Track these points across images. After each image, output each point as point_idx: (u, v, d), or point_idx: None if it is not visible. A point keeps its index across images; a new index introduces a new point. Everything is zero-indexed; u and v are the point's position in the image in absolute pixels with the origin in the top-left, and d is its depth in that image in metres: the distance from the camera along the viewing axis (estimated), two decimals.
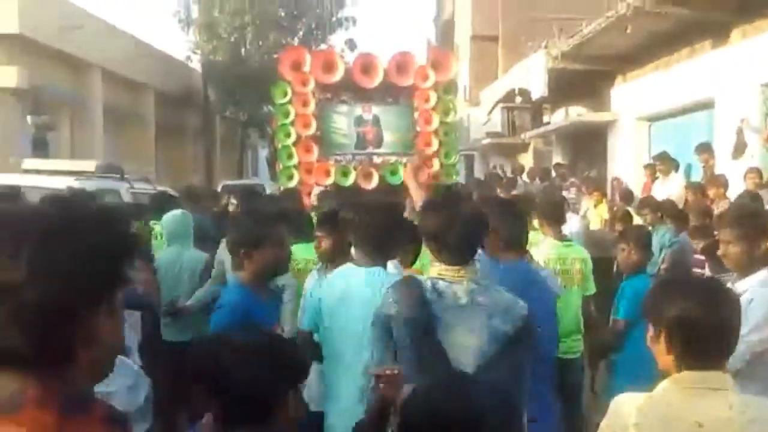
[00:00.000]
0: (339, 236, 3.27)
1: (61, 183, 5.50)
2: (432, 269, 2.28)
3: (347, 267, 2.83)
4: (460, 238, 2.21)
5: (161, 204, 5.23)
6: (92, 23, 15.09)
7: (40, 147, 11.08)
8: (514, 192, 9.75)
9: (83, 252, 0.90)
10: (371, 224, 2.80)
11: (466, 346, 2.11)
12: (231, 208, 6.01)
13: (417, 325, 2.12)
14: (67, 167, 6.49)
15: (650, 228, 6.67)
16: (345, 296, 2.69)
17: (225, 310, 2.63)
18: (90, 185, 5.57)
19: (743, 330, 1.88)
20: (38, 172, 6.28)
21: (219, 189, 12.75)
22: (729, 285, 3.00)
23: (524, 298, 2.28)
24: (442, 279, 2.20)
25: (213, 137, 22.85)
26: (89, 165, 6.67)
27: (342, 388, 2.65)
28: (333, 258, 3.29)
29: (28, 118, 11.45)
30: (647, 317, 1.78)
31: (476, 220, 2.30)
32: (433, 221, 2.26)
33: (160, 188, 7.21)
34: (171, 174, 17.44)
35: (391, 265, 2.96)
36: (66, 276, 0.88)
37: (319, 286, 3.01)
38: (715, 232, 3.77)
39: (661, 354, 1.69)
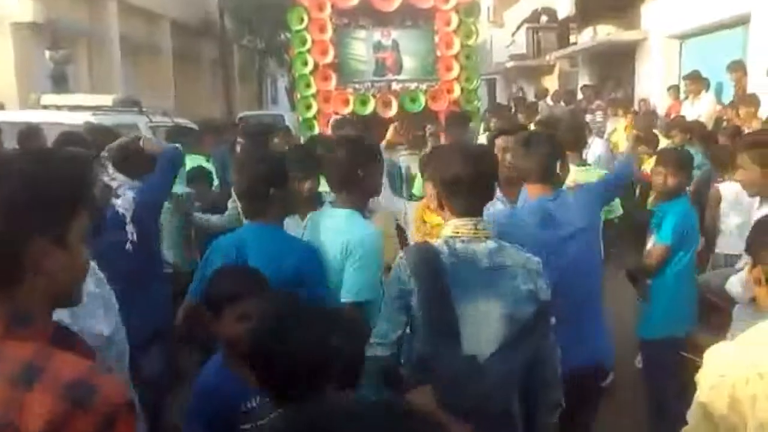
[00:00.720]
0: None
1: (79, 118, 5.49)
2: (445, 228, 2.02)
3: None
4: (480, 181, 1.98)
5: (179, 137, 5.21)
6: None
7: (60, 81, 11.04)
8: (537, 117, 9.52)
9: (25, 185, 0.96)
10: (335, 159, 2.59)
11: (491, 314, 1.91)
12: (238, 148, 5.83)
13: (433, 303, 1.90)
14: (85, 102, 6.47)
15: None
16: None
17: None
18: (108, 120, 5.56)
19: None
20: (57, 107, 6.27)
21: (236, 120, 12.72)
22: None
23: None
24: (458, 237, 1.96)
25: (231, 67, 22.56)
26: (107, 99, 6.63)
27: None
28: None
29: (46, 52, 11.37)
30: (751, 255, 1.64)
31: (493, 160, 2.13)
32: (447, 163, 2.01)
33: (179, 120, 7.17)
34: (189, 105, 17.35)
35: None
36: (6, 207, 0.95)
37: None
38: None
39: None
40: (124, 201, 3.18)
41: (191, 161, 4.88)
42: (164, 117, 7.23)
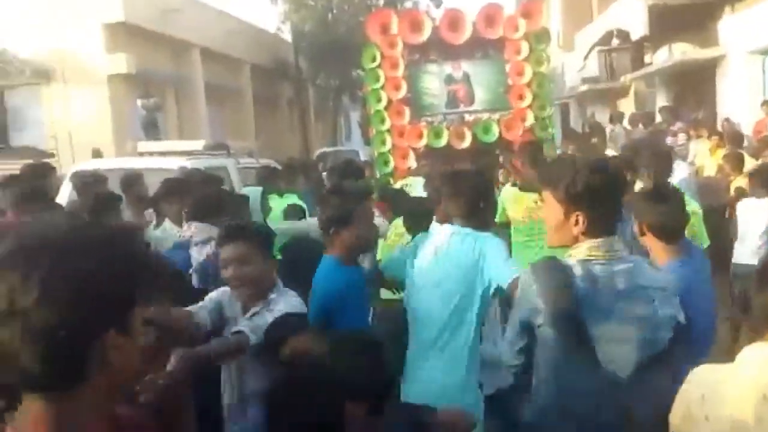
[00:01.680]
0: None
1: (173, 163, 5.90)
2: (576, 250, 1.84)
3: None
4: (612, 198, 1.84)
5: (265, 178, 5.49)
6: (188, 5, 15.76)
7: (151, 128, 11.81)
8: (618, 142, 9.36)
9: (89, 275, 0.90)
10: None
11: (625, 339, 1.77)
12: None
13: (567, 326, 1.77)
14: (178, 148, 6.93)
15: None
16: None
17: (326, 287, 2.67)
18: (200, 164, 5.93)
19: None
20: (151, 154, 6.75)
21: (315, 157, 13.15)
22: None
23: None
24: (594, 260, 1.80)
25: (306, 105, 23.40)
26: (198, 144, 7.09)
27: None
28: None
29: (138, 101, 12.22)
30: None
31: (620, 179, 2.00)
32: (580, 179, 1.81)
33: (263, 161, 7.54)
34: (269, 145, 18.09)
35: None
36: (72, 299, 0.88)
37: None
38: None
39: None
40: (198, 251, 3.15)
41: (286, 199, 5.15)
42: (250, 158, 7.62)
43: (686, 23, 12.41)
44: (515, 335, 1.89)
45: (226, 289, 2.40)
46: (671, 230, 2.41)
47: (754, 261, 4.66)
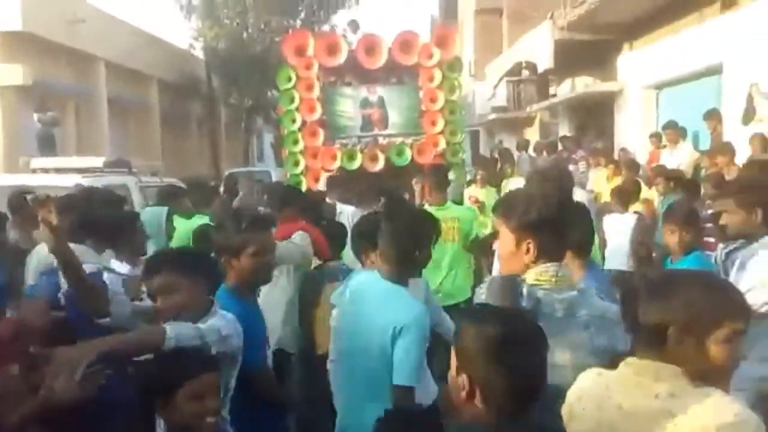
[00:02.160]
0: None
1: (70, 181, 5.53)
2: (526, 275, 1.91)
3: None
4: (561, 227, 1.92)
5: (169, 197, 5.23)
6: (94, 16, 15.07)
7: (47, 143, 11.10)
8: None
9: None
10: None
11: (561, 365, 1.83)
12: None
13: None
14: (76, 164, 6.52)
15: (662, 197, 6.67)
16: None
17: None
18: (98, 182, 5.59)
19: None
20: (46, 171, 6.31)
21: (224, 177, 12.79)
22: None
23: None
24: (539, 286, 1.88)
25: (218, 125, 22.86)
26: (97, 161, 6.70)
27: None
28: None
29: (34, 115, 11.48)
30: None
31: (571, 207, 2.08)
32: (532, 207, 1.91)
33: (168, 180, 7.23)
34: (177, 164, 17.48)
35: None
36: None
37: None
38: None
39: None
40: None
41: (196, 220, 4.90)
42: (154, 177, 7.29)
43: (588, 58, 13.12)
44: None
45: None
46: (587, 245, 2.55)
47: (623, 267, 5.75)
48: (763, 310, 2.63)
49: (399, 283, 2.51)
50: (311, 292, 3.78)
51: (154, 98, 18.75)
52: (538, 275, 1.89)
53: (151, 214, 4.47)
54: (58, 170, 6.30)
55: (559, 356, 1.81)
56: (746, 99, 8.38)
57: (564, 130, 15.01)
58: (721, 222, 3.17)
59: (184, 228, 4.76)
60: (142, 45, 17.39)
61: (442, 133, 8.52)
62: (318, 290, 3.70)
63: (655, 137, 9.69)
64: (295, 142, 8.31)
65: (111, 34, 15.62)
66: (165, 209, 4.61)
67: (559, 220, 1.92)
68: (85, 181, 5.53)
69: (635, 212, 6.35)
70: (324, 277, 3.81)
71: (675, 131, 8.93)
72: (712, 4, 9.32)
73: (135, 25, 17.87)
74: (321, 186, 7.36)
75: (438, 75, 8.41)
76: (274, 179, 11.91)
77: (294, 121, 8.28)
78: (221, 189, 8.57)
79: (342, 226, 4.39)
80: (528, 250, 1.90)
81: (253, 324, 2.53)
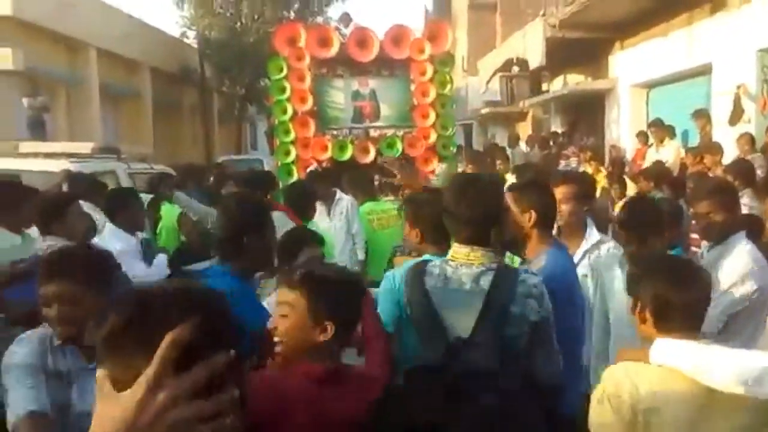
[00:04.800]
0: None
1: (58, 166, 5.52)
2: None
3: None
4: (470, 213, 2.15)
5: (158, 184, 5.25)
6: (86, 2, 14.94)
7: (37, 129, 11.01)
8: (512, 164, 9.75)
9: None
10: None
11: (465, 311, 2.13)
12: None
13: (417, 307, 2.20)
14: (64, 149, 6.50)
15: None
16: None
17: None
18: (86, 167, 5.59)
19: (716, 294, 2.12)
20: (35, 155, 6.29)
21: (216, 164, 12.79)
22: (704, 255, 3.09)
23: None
24: (452, 261, 2.18)
25: (210, 113, 22.74)
26: (86, 147, 6.67)
27: None
28: None
29: (24, 100, 11.39)
30: (630, 294, 1.94)
31: (490, 196, 2.21)
32: (447, 195, 2.23)
33: (158, 168, 7.22)
34: (169, 152, 17.41)
35: None
36: None
37: None
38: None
39: (642, 324, 1.88)
40: None
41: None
42: (143, 164, 7.28)
43: (580, 56, 13.19)
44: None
45: None
46: (551, 217, 2.74)
47: None
48: (745, 304, 2.70)
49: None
50: None
51: (147, 86, 18.62)
52: (453, 253, 2.19)
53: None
54: (46, 155, 6.27)
55: (463, 309, 2.11)
56: (733, 100, 8.47)
57: (556, 125, 15.09)
58: (702, 222, 3.21)
59: (171, 214, 4.79)
60: (134, 32, 17.26)
61: (433, 126, 8.57)
62: None
63: (642, 135, 9.79)
64: (287, 132, 8.33)
65: (103, 21, 15.49)
66: (151, 196, 4.63)
67: (452, 211, 2.19)
68: (73, 167, 5.52)
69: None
70: None
71: (660, 129, 9.02)
72: (701, 6, 9.39)
73: (127, 12, 17.74)
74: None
75: (430, 69, 8.44)
76: (266, 167, 11.91)
77: (285, 111, 8.29)
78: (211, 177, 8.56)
79: None
80: (453, 237, 2.25)
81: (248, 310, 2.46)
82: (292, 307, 1.75)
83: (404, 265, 2.37)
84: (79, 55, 15.13)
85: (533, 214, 2.62)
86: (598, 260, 3.18)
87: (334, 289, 1.77)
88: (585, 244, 3.23)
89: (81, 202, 3.43)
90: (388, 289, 2.31)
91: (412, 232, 2.56)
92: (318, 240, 3.04)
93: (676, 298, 1.79)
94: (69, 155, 6.15)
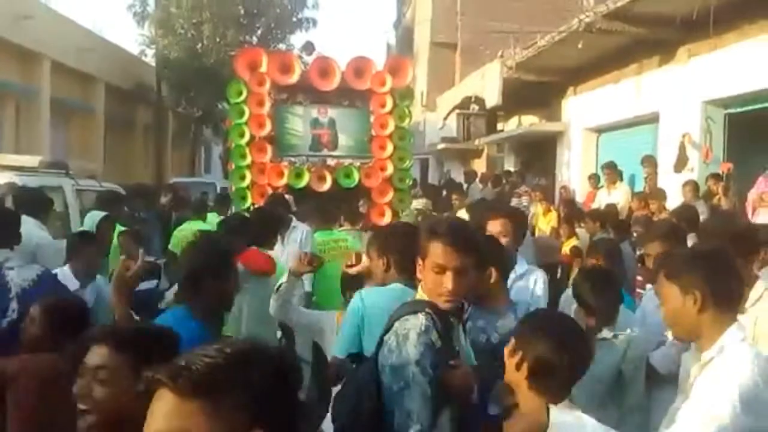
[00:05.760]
0: None
1: (3, 178, 5.32)
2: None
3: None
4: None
5: (107, 202, 5.11)
6: (43, 13, 14.64)
7: None
8: (468, 200, 9.91)
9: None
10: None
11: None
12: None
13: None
14: (10, 162, 6.26)
15: (589, 237, 6.94)
16: None
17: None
18: (33, 181, 5.40)
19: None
20: None
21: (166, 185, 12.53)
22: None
23: None
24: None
25: (165, 133, 22.39)
26: (33, 161, 6.45)
27: None
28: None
29: None
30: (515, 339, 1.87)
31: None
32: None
33: (107, 185, 7.03)
34: (119, 170, 17.02)
35: None
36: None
37: None
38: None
39: (512, 371, 1.83)
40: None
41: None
42: (91, 180, 7.08)
43: (535, 98, 13.58)
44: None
45: None
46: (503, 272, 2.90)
47: None
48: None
49: None
50: None
51: (100, 102, 18.25)
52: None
53: (91, 220, 4.37)
54: None
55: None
56: (679, 147, 8.84)
57: (510, 164, 15.42)
58: (647, 263, 3.33)
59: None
60: (91, 47, 16.96)
61: (390, 158, 8.62)
62: None
63: (593, 178, 10.08)
64: (243, 156, 8.25)
65: (60, 34, 15.19)
66: (105, 213, 4.50)
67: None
68: (20, 180, 5.33)
69: None
70: None
71: (613, 171, 9.32)
72: (651, 57, 9.83)
73: (84, 26, 17.46)
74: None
75: (389, 102, 8.53)
76: (218, 191, 11.74)
77: (242, 135, 8.23)
78: (162, 198, 8.38)
79: None
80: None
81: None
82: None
83: (372, 290, 2.59)
84: (32, 67, 14.75)
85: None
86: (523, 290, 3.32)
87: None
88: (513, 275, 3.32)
89: (25, 217, 3.30)
90: (353, 310, 2.54)
91: (378, 261, 2.66)
92: None
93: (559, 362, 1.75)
94: (15, 168, 5.93)
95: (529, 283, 3.37)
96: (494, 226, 3.45)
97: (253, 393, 1.03)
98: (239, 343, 1.11)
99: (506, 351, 1.84)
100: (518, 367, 1.79)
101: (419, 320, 1.98)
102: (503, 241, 3.29)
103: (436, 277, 2.02)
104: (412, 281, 2.33)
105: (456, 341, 2.13)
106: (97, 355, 1.57)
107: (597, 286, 2.85)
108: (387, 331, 2.04)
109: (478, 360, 2.30)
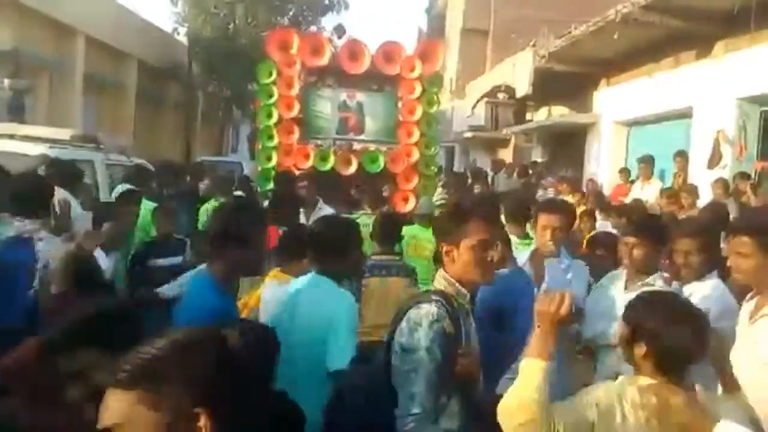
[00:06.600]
0: None
1: (35, 150, 5.41)
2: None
3: None
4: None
5: (136, 177, 5.18)
6: None
7: (16, 111, 10.82)
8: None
9: None
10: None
11: None
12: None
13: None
14: (42, 134, 6.37)
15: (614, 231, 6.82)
16: None
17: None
18: (64, 154, 5.49)
19: None
20: (11, 137, 6.15)
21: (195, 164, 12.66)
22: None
23: None
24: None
25: (194, 111, 22.57)
26: (65, 133, 6.54)
27: None
28: None
29: (6, 81, 11.19)
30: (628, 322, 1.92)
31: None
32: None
33: (136, 160, 7.12)
34: (149, 146, 17.22)
35: None
36: None
37: None
38: None
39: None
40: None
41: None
42: (122, 156, 7.17)
43: (566, 89, 13.40)
44: None
45: None
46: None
47: None
48: None
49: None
50: None
51: (132, 78, 18.45)
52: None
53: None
54: (23, 137, 6.14)
55: None
56: (712, 144, 8.66)
57: (537, 155, 15.27)
58: (680, 259, 3.26)
59: (147, 210, 4.73)
60: (125, 23, 17.13)
61: (416, 144, 8.58)
62: None
63: (624, 172, 9.89)
64: (270, 137, 8.28)
65: (95, 9, 15.36)
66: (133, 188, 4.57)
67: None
68: (51, 152, 5.42)
69: None
70: None
71: (649, 166, 9.09)
72: (687, 51, 9.62)
73: (119, 2, 17.61)
74: None
75: (418, 87, 8.47)
76: (245, 171, 11.82)
77: (270, 116, 8.25)
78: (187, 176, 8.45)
79: None
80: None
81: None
82: None
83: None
84: (66, 41, 14.95)
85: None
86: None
87: None
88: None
89: (58, 189, 3.37)
90: None
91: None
92: None
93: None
94: (48, 140, 6.03)
95: (570, 276, 3.46)
96: (550, 221, 3.44)
97: (193, 379, 1.13)
98: (183, 332, 1.21)
99: (623, 337, 1.90)
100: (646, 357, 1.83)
101: (432, 308, 2.05)
102: (559, 235, 3.43)
103: (476, 255, 2.11)
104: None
105: (468, 327, 2.17)
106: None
107: None
108: (400, 319, 2.09)
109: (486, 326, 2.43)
